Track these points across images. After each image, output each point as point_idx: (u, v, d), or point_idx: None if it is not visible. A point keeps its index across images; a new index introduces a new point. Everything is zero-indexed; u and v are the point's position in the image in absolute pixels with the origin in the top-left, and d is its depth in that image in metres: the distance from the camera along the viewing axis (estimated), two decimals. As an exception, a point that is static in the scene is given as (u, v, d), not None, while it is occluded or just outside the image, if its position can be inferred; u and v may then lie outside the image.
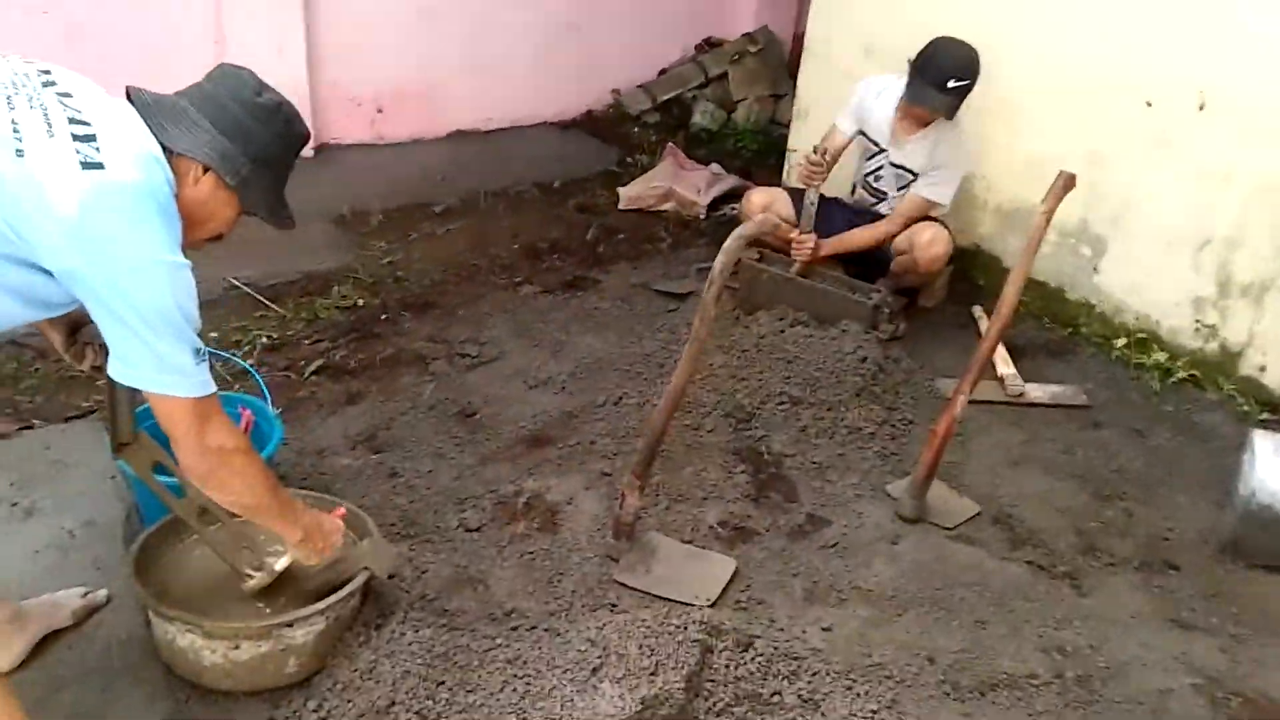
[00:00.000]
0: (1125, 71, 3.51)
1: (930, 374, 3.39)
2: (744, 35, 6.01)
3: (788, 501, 2.76)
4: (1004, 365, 3.39)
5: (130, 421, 1.93)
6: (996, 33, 3.58)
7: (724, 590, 2.38)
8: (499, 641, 2.13)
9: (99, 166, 1.42)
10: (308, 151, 4.77)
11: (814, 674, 2.14)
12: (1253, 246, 3.32)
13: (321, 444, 2.82)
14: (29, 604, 2.06)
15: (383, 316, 3.55)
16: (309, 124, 5.32)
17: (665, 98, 5.81)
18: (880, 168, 3.65)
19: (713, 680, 2.06)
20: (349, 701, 1.96)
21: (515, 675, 2.03)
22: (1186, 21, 3.33)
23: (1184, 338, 3.55)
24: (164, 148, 1.54)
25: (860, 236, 3.63)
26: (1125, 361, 3.60)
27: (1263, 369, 3.37)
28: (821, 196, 3.53)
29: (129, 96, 1.59)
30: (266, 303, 3.53)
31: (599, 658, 2.04)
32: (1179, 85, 3.38)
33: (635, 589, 2.36)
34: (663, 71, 5.96)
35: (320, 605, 1.96)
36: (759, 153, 5.47)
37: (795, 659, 2.17)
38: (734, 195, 4.62)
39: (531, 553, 2.47)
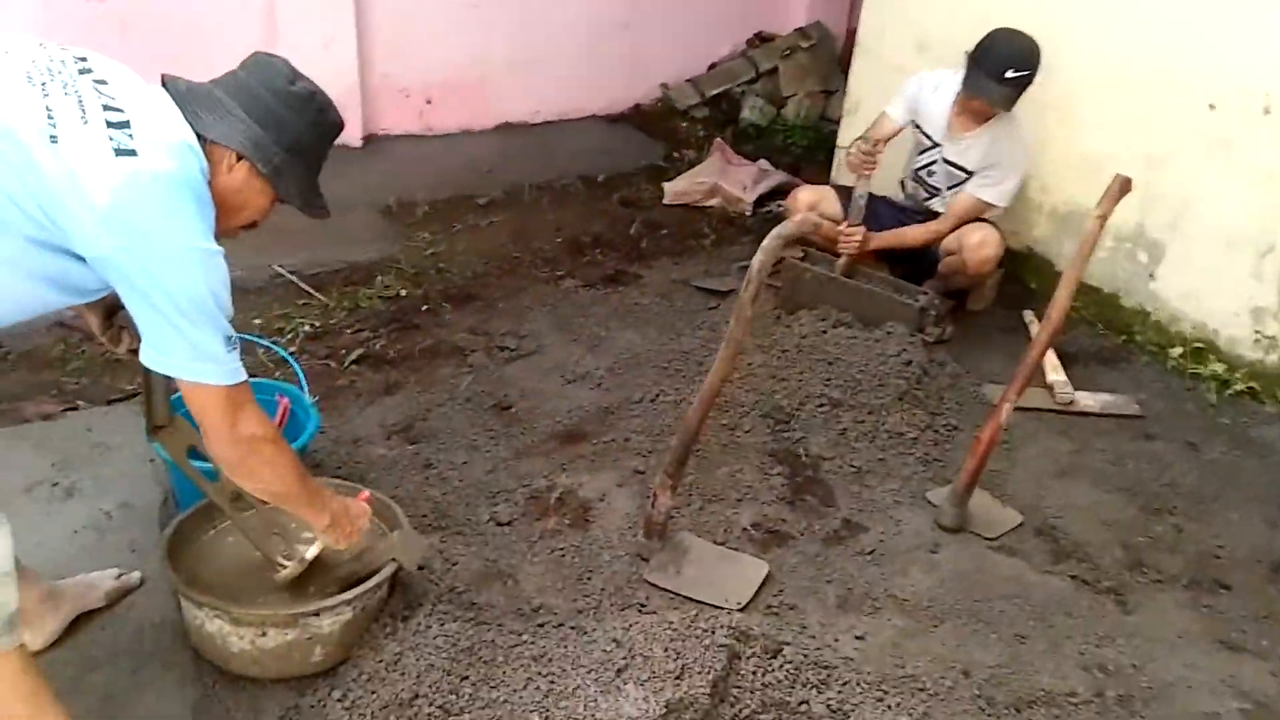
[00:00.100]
0: (1188, 72, 3.39)
1: (976, 379, 3.32)
2: (796, 30, 5.94)
3: (824, 505, 2.71)
4: (1054, 372, 3.30)
5: (165, 405, 1.95)
6: (1056, 27, 3.47)
7: (755, 594, 2.34)
8: (525, 638, 2.11)
9: (132, 154, 1.42)
10: (356, 141, 4.85)
11: (844, 684, 2.09)
12: (1319, 255, 3.19)
13: (358, 433, 2.83)
14: (63, 584, 2.09)
15: (424, 307, 3.56)
16: (359, 114, 5.40)
17: (714, 92, 5.76)
18: (933, 162, 3.57)
19: (739, 686, 2.02)
20: (373, 693, 1.95)
21: (540, 673, 2.01)
22: (1254, 22, 3.20)
23: (1243, 348, 3.42)
24: (198, 135, 1.55)
25: (911, 234, 3.56)
26: (1181, 371, 3.48)
27: (1326, 383, 3.25)
28: (870, 195, 3.46)
29: (164, 84, 1.59)
30: (310, 291, 3.56)
31: (624, 659, 2.02)
32: (1244, 87, 3.25)
33: (665, 589, 2.33)
34: (712, 66, 5.91)
35: (347, 595, 1.96)
36: (808, 149, 5.40)
37: (825, 668, 2.12)
38: (781, 192, 4.57)
39: (562, 549, 2.45)
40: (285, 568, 2.02)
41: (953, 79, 3.38)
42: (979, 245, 3.42)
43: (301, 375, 2.54)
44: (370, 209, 4.27)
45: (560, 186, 4.70)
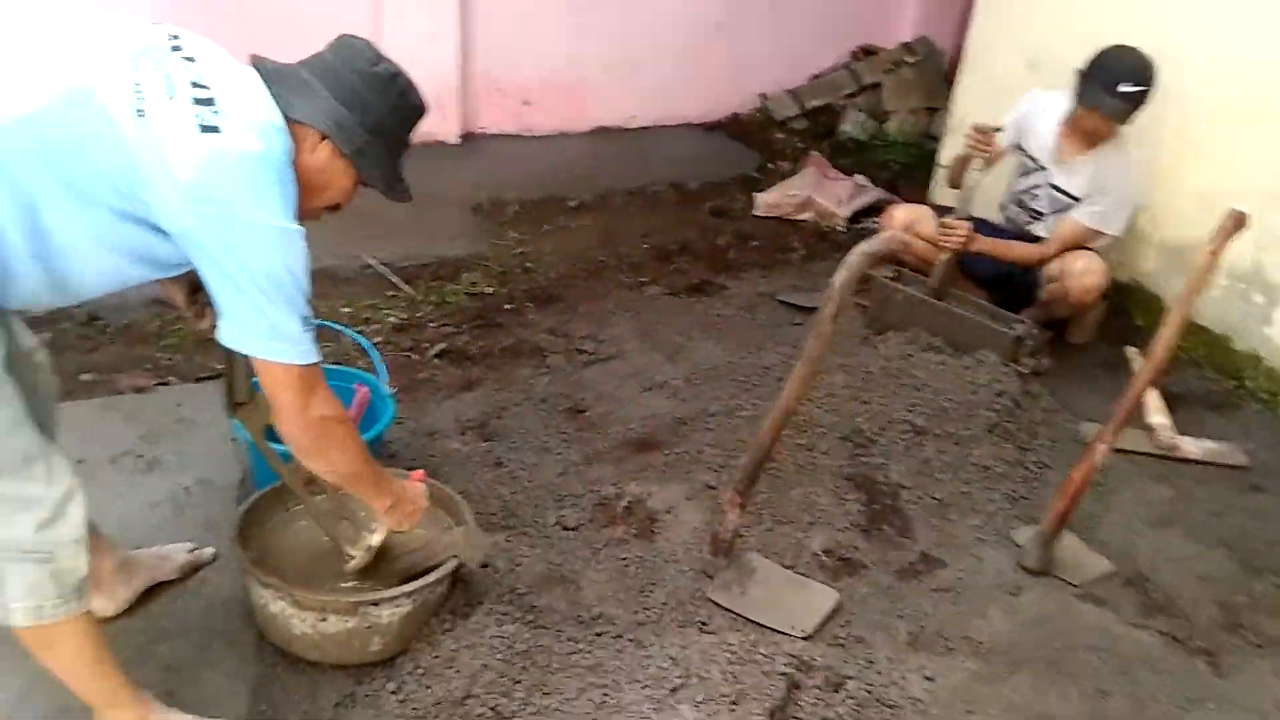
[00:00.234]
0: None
1: (1072, 416, 3.16)
2: (902, 45, 5.81)
3: (901, 536, 2.61)
4: (1157, 414, 3.12)
5: (247, 382, 1.96)
6: (1174, 49, 3.30)
7: (822, 623, 2.26)
8: (581, 646, 2.08)
9: (216, 130, 1.44)
10: (454, 139, 4.91)
11: (908, 725, 2.00)
12: None
13: (435, 426, 2.84)
14: (138, 554, 2.14)
15: (507, 306, 3.58)
16: (458, 112, 5.46)
17: (814, 104, 5.68)
18: (1036, 186, 3.43)
19: (797, 718, 1.95)
20: (427, 688, 1.95)
21: (593, 684, 1.98)
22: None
23: (1365, 402, 3.20)
24: (284, 115, 1.56)
25: (1018, 247, 3.42)
26: (1294, 422, 3.27)
27: None
28: (970, 216, 3.34)
29: (253, 65, 1.61)
30: (399, 284, 3.61)
31: (680, 677, 1.97)
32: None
33: (728, 609, 2.27)
34: (814, 77, 5.82)
35: (406, 588, 1.95)
36: (908, 166, 5.26)
37: (890, 706, 2.04)
38: (876, 209, 4.46)
39: (625, 558, 2.41)
40: (354, 558, 2.02)
41: (1064, 102, 3.25)
42: (1083, 273, 3.27)
43: (382, 366, 2.56)
44: (462, 206, 4.32)
45: (651, 192, 4.68)
